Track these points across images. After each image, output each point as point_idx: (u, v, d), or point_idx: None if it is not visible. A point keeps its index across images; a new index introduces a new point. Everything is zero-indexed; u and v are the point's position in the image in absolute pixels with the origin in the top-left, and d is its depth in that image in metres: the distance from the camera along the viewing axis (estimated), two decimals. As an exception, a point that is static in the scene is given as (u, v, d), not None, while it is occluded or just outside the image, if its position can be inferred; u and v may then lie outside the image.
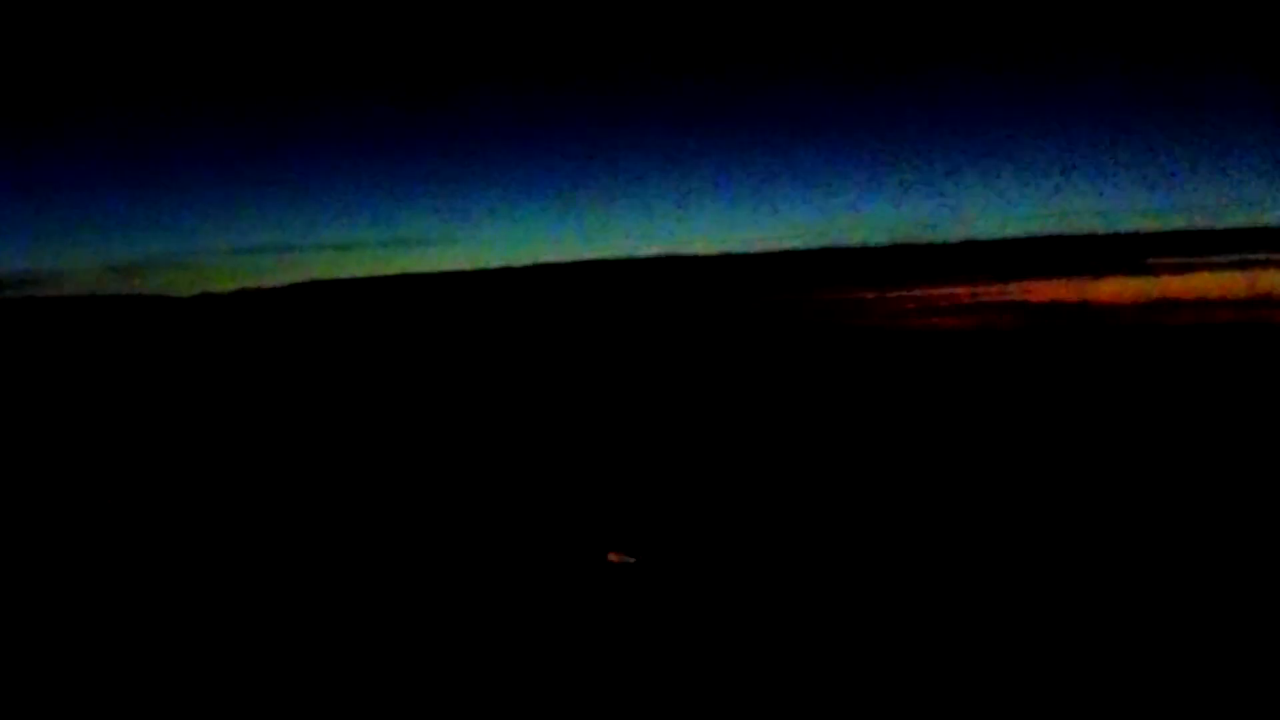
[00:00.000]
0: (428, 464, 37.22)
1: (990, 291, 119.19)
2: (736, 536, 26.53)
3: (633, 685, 17.88)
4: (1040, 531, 25.77)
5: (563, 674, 18.43)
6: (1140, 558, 23.39)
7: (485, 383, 61.95)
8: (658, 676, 18.18)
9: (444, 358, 78.71)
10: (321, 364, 76.91)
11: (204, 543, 27.48)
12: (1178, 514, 26.69)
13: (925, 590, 21.89)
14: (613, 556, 24.99)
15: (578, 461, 36.68)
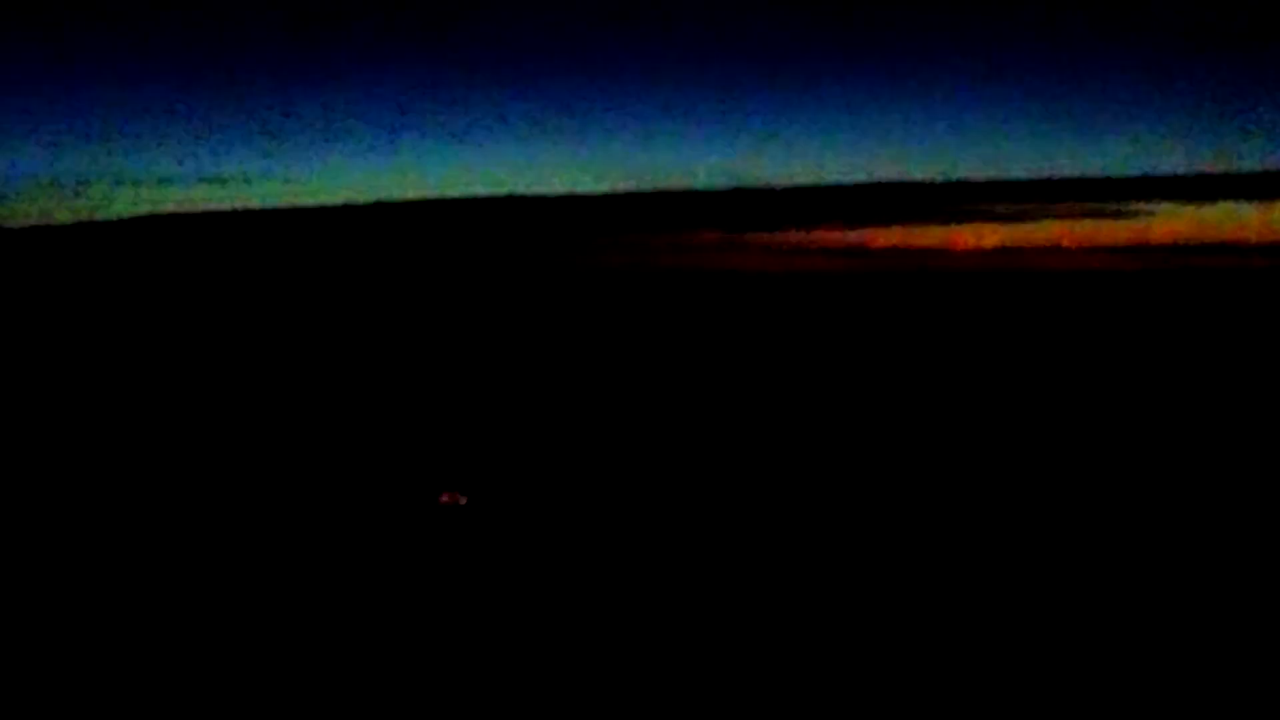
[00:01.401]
0: (252, 407, 36.10)
1: (834, 238, 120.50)
2: (567, 479, 26.10)
3: (462, 626, 17.40)
4: (881, 477, 25.70)
5: (392, 616, 17.87)
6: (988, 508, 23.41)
7: (317, 326, 60.57)
8: (488, 618, 17.74)
9: (274, 298, 76.90)
10: (152, 302, 74.56)
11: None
12: (1025, 458, 26.86)
13: (715, 534, 21.66)
14: (444, 497, 24.46)
15: (406, 403, 35.87)
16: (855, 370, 39.10)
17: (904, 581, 18.86)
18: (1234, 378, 35.71)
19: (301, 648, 16.84)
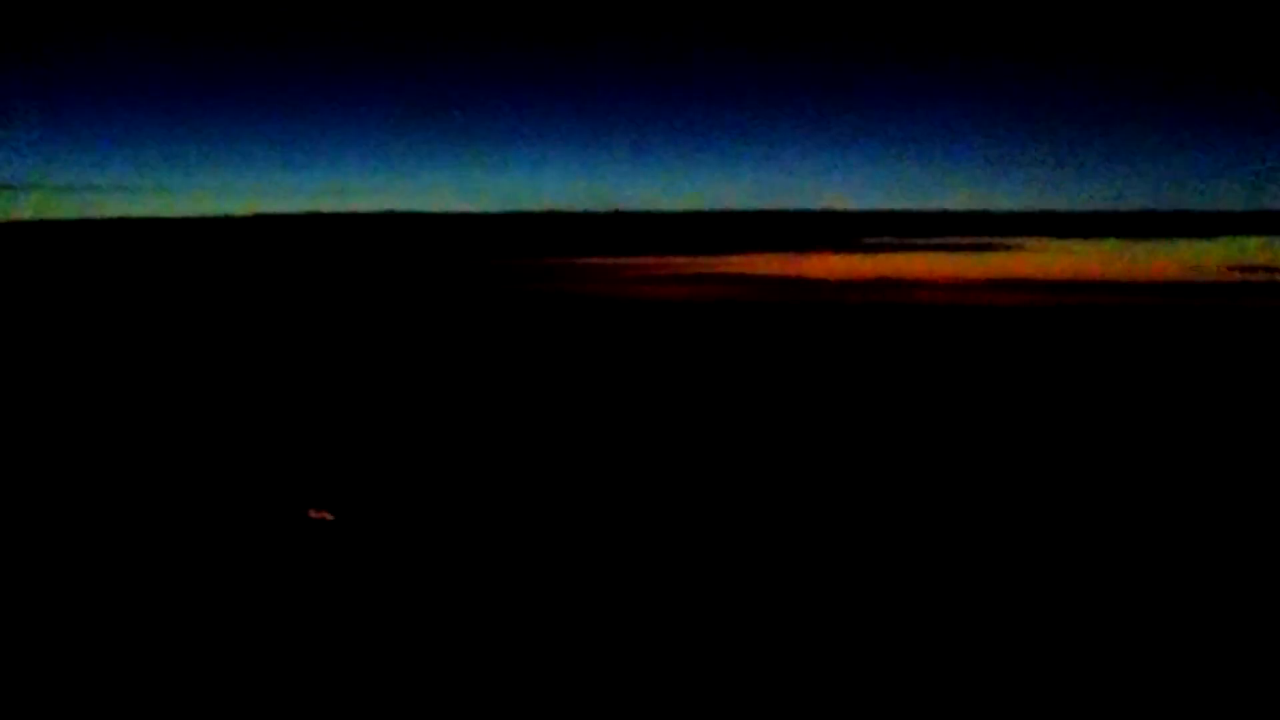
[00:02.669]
0: (131, 419, 35.04)
1: (708, 263, 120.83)
2: (437, 495, 25.60)
3: (333, 640, 16.83)
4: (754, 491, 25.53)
5: (263, 630, 17.23)
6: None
7: (189, 341, 59.25)
8: (359, 632, 17.20)
9: (149, 310, 75.17)
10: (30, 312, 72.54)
11: None
12: (890, 486, 26.85)
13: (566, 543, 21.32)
14: (312, 513, 23.86)
15: (278, 420, 35.04)
16: (724, 397, 39.01)
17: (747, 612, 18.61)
18: (1102, 408, 36.23)
19: (164, 661, 16.16)
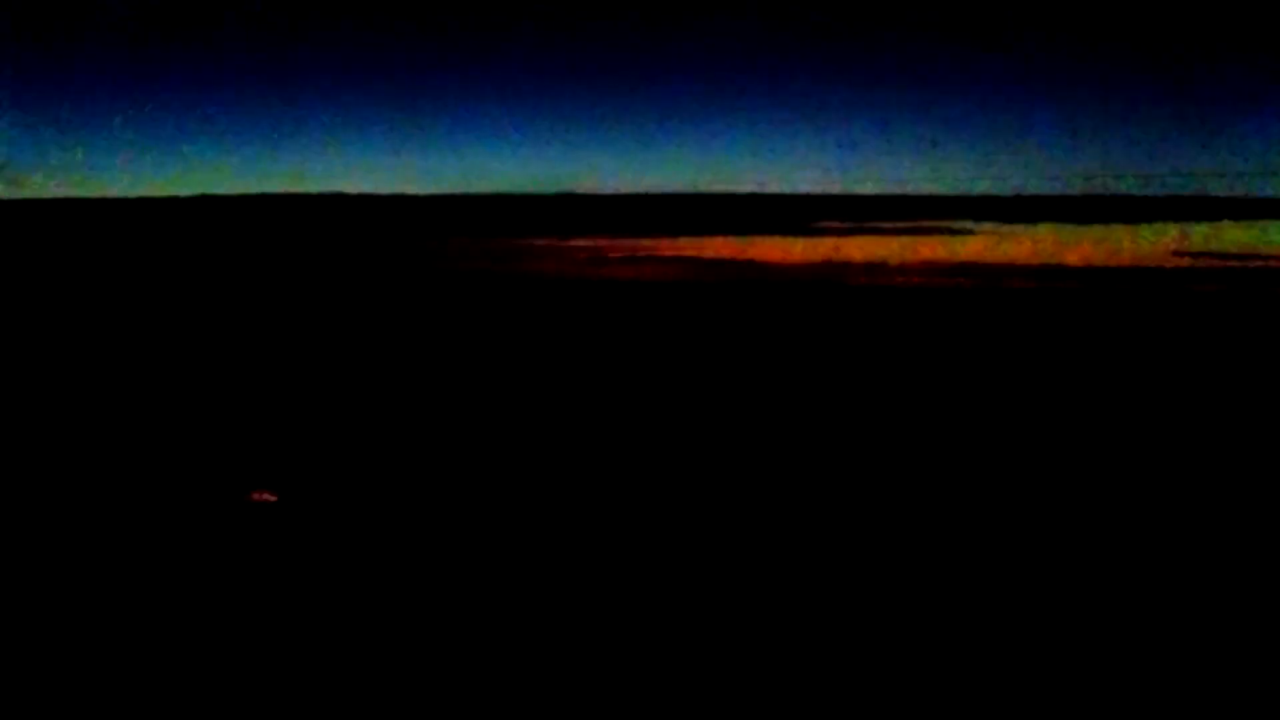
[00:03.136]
0: (62, 401, 34.38)
1: (659, 245, 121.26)
2: (385, 476, 25.23)
3: (277, 624, 16.51)
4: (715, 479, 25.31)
5: (204, 615, 16.87)
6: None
7: (129, 319, 58.46)
8: (302, 616, 16.89)
9: (88, 289, 74.22)
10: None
11: None
12: (839, 474, 26.73)
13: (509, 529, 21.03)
14: (255, 496, 23.46)
15: (219, 399, 34.50)
16: (678, 380, 38.78)
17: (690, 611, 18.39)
18: (1046, 397, 36.26)
19: (109, 650, 15.76)
